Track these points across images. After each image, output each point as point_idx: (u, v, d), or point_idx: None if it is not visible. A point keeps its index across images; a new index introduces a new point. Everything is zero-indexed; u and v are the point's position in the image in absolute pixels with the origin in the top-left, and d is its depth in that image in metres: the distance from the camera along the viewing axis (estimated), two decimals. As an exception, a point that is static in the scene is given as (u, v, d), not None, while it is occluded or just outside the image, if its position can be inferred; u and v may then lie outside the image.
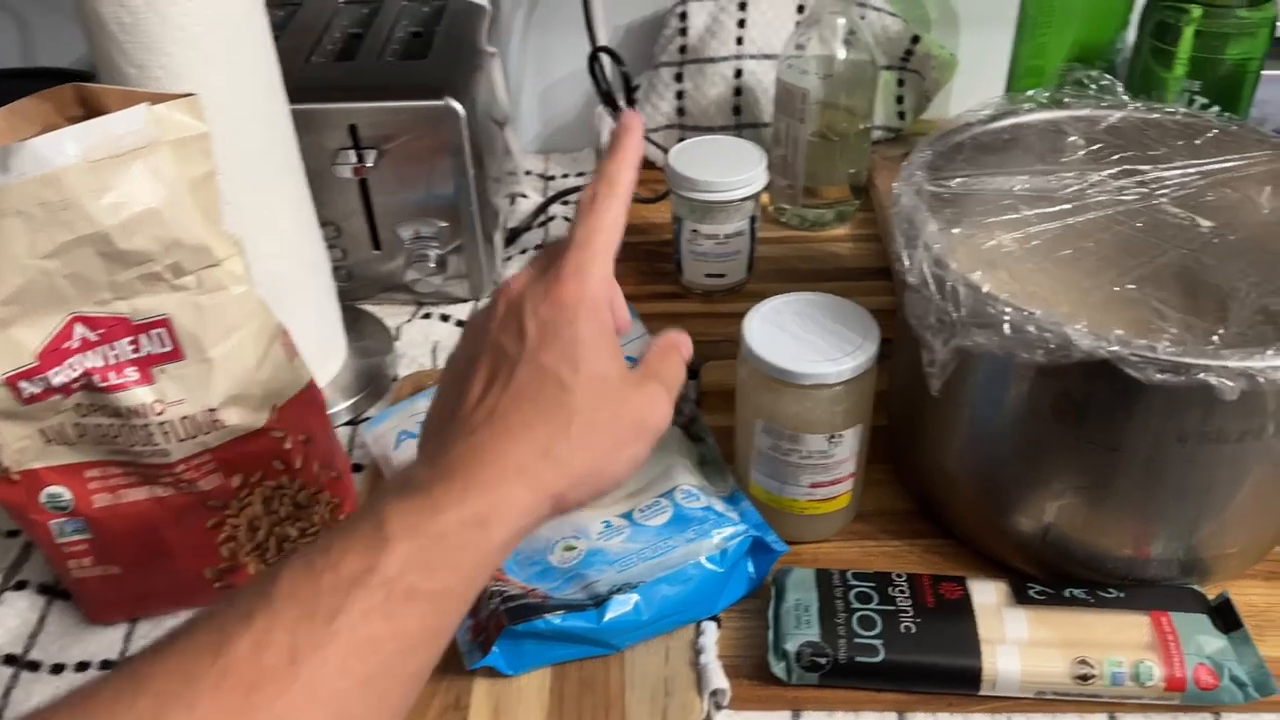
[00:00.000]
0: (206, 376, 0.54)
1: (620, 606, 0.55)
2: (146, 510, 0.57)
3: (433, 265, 0.82)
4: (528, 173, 1.04)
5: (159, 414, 0.53)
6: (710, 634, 0.58)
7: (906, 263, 0.53)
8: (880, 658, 0.54)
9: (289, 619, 0.35)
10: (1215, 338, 0.49)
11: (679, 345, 0.50)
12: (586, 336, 0.44)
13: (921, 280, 0.53)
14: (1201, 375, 0.47)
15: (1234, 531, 0.56)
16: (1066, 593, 0.57)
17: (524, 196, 0.99)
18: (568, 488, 0.43)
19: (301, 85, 0.75)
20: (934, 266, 0.53)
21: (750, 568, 0.60)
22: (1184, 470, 0.52)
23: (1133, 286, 0.52)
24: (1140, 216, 0.57)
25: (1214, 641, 0.54)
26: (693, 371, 0.76)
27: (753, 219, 0.80)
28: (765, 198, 0.92)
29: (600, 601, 0.55)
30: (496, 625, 0.54)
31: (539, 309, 0.45)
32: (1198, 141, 0.63)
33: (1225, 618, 0.56)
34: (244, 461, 0.57)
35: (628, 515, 0.59)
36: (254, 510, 0.59)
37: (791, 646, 0.55)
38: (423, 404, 0.71)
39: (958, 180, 0.61)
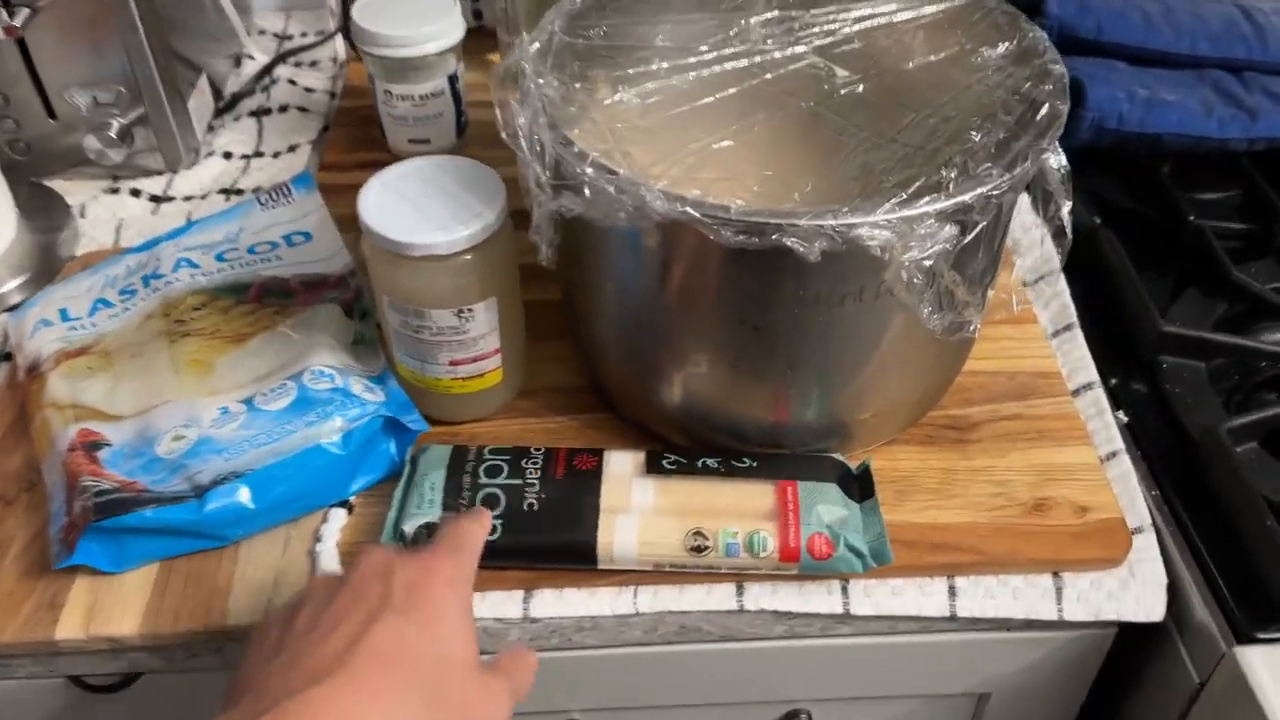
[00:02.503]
0: None
1: (224, 497, 0.52)
2: None
3: (114, 135, 0.76)
4: (262, 32, 0.96)
5: None
6: (335, 520, 0.55)
7: (500, 120, 0.49)
8: (497, 536, 0.52)
9: None
10: (797, 195, 0.46)
11: (532, 657, 0.48)
12: (451, 612, 0.43)
13: (515, 139, 0.49)
14: (776, 236, 0.44)
15: (865, 397, 0.54)
16: (700, 462, 0.55)
17: (250, 58, 0.92)
18: None
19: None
20: (531, 124, 0.49)
21: (393, 449, 0.57)
22: (795, 337, 0.50)
23: (730, 143, 0.49)
24: (775, 68, 0.53)
25: (835, 511, 0.53)
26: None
27: (453, 77, 0.75)
28: (496, 57, 0.86)
29: (202, 492, 0.52)
30: (84, 522, 0.51)
31: (410, 572, 0.43)
32: (868, -15, 0.59)
33: (863, 485, 0.55)
34: None
35: (248, 401, 0.56)
36: None
37: (409, 528, 0.53)
38: (81, 284, 0.66)
39: (599, 29, 0.56)
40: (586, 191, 0.46)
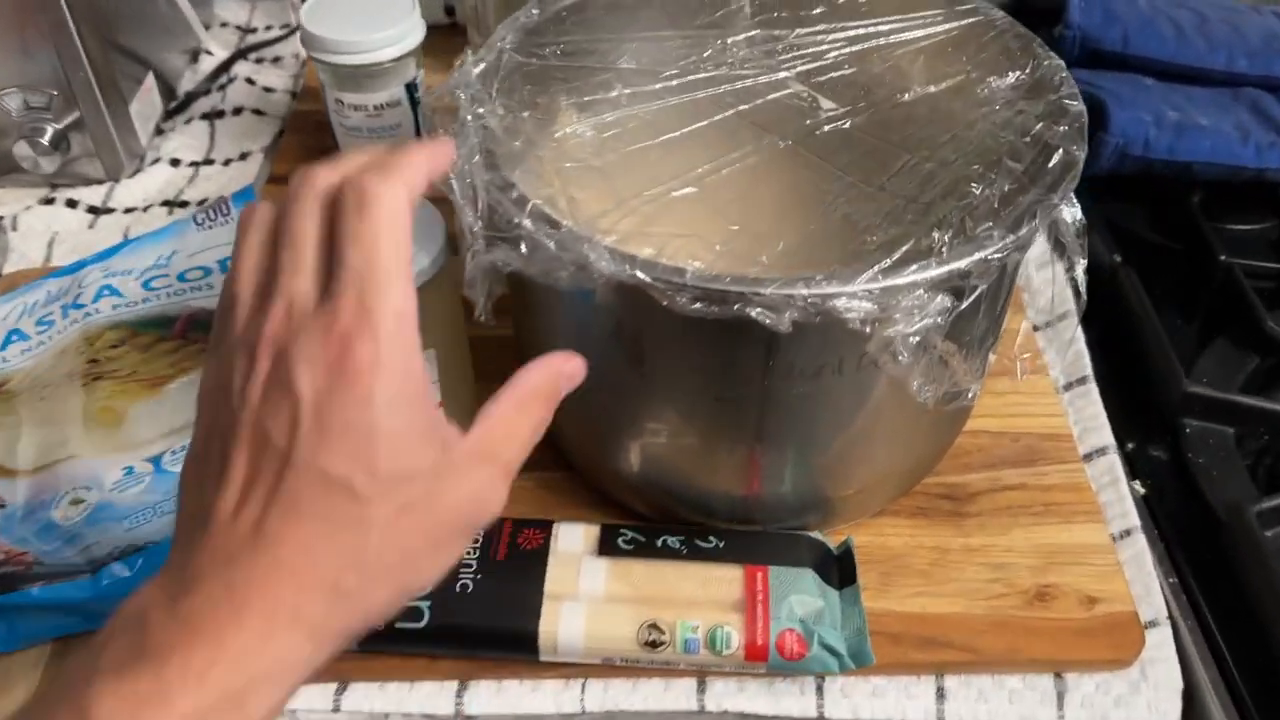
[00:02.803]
0: None
1: (121, 573, 0.46)
2: None
3: (47, 142, 0.70)
4: (224, 24, 0.90)
5: None
6: (251, 595, 0.50)
7: (430, 159, 0.43)
8: (424, 622, 0.46)
9: None
10: (765, 258, 0.40)
11: (541, 393, 0.38)
12: (386, 423, 0.31)
13: (444, 179, 0.42)
14: (739, 306, 0.38)
15: (848, 472, 0.48)
16: (660, 541, 0.49)
17: (208, 53, 0.86)
18: (361, 623, 0.32)
19: None
20: (464, 162, 0.42)
21: (321, 512, 0.52)
22: (765, 410, 0.44)
23: (693, 190, 0.42)
24: (751, 97, 0.47)
25: (809, 603, 0.47)
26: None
27: (411, 85, 0.68)
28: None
29: (97, 567, 0.47)
30: (-37, 600, 0.46)
31: (315, 374, 0.31)
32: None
33: (844, 569, 0.49)
34: None
35: (155, 460, 0.50)
36: None
37: (330, 613, 0.47)
38: (5, 309, 0.60)
39: (555, 48, 0.50)
40: (523, 246, 0.40)
